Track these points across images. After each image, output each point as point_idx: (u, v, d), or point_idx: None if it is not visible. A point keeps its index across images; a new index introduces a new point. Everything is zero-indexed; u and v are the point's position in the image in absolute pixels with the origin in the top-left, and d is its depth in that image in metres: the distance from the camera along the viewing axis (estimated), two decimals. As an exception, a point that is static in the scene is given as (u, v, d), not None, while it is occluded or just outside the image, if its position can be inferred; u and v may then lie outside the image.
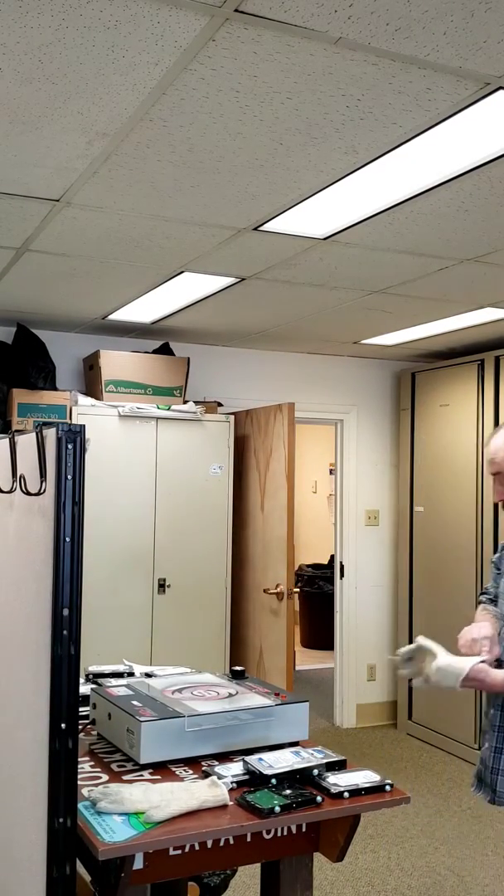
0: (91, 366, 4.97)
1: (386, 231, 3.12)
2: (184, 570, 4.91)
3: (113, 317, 4.73)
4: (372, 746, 5.56)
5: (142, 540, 4.81)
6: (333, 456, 6.93)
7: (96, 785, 1.94)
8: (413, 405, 5.92)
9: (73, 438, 1.61)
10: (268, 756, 2.06)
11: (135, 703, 2.19)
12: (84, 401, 4.76)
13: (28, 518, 1.78)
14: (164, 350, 5.26)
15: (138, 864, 1.78)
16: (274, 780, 1.96)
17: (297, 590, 8.34)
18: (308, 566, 8.82)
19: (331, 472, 9.53)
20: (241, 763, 2.05)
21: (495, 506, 5.12)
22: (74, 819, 1.60)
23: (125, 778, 2.00)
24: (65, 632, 1.59)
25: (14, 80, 2.01)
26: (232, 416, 5.11)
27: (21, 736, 1.77)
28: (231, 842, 1.90)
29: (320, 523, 9.55)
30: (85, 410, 4.71)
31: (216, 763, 2.10)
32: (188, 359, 5.07)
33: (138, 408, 4.79)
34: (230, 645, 5.15)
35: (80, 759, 2.11)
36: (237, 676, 2.53)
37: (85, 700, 2.50)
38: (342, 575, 6.04)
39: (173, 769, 2.06)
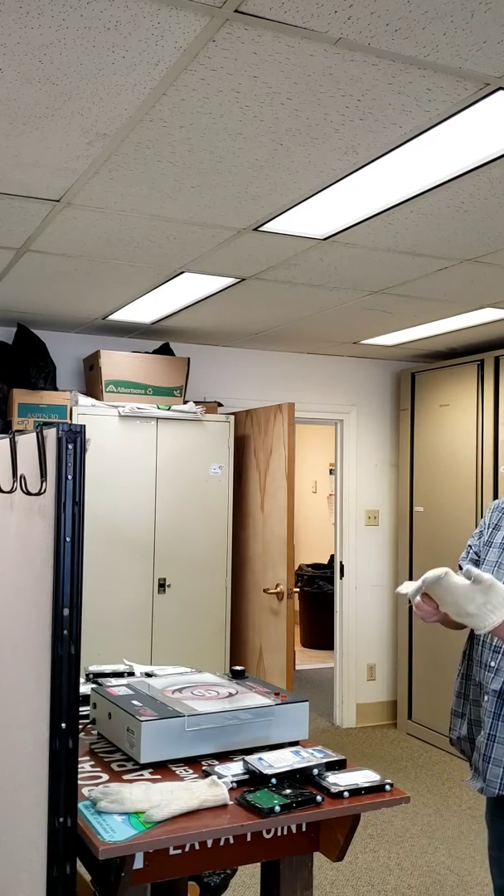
0: (91, 366, 4.98)
1: (386, 231, 3.12)
2: (184, 569, 4.91)
3: (113, 317, 4.73)
4: (372, 746, 5.56)
5: (142, 540, 4.81)
6: (333, 456, 6.93)
7: (96, 784, 1.94)
8: (413, 405, 5.92)
9: (74, 438, 1.61)
10: (268, 756, 2.06)
11: (135, 702, 2.19)
12: (84, 401, 4.76)
13: (28, 518, 1.79)
14: (164, 350, 5.26)
15: (138, 863, 1.78)
16: (274, 780, 1.97)
17: (297, 590, 8.35)
18: (308, 566, 8.82)
19: (331, 472, 9.53)
20: (241, 763, 2.05)
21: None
22: (74, 819, 1.60)
23: (125, 777, 2.00)
24: (65, 631, 1.60)
25: (14, 80, 2.01)
26: (232, 416, 5.12)
27: (21, 736, 1.77)
28: (231, 841, 1.90)
29: (320, 523, 9.55)
30: (85, 410, 4.72)
31: (216, 763, 2.10)
32: (188, 359, 5.08)
33: (138, 408, 4.80)
34: (230, 645, 5.15)
35: (80, 759, 2.11)
36: (237, 676, 2.53)
37: (85, 700, 2.51)
38: (342, 575, 6.04)
39: (173, 769, 2.06)
